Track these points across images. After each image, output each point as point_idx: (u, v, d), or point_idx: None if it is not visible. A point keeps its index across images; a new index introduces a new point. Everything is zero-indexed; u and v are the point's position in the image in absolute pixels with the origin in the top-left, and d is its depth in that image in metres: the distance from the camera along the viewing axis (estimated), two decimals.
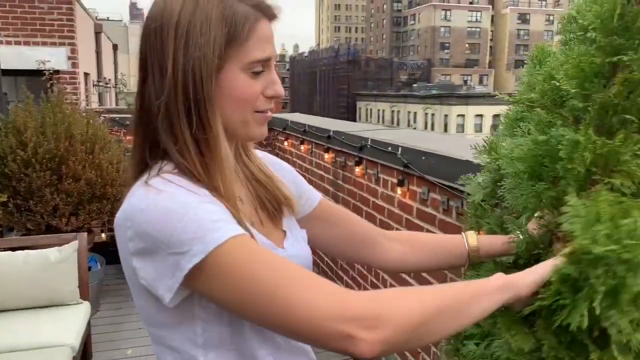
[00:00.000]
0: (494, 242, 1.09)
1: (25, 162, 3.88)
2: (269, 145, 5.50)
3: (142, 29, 0.87)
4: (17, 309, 3.08)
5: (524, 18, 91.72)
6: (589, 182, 0.86)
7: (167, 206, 0.76)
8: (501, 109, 1.35)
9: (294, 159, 4.82)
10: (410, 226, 2.75)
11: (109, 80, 12.47)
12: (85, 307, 3.22)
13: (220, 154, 0.84)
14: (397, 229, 2.91)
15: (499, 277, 0.84)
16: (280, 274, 0.75)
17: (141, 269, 0.79)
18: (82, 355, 3.16)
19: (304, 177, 4.44)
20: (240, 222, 0.82)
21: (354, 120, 51.25)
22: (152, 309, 0.84)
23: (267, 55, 0.86)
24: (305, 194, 1.10)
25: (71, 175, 4.00)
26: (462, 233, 1.12)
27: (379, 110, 59.63)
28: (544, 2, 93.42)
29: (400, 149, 2.75)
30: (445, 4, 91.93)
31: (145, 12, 0.92)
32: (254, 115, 0.88)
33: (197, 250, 0.73)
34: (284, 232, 0.99)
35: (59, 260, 3.17)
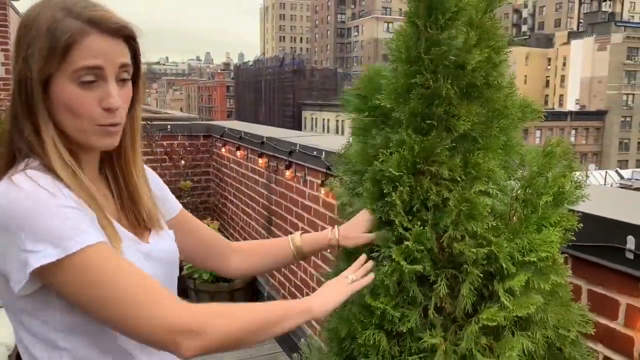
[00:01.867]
0: (316, 240, 1.30)
1: None
2: (206, 152, 5.64)
3: None
4: None
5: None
6: (415, 172, 1.14)
7: (25, 206, 0.83)
8: None
9: (231, 165, 4.99)
10: (333, 223, 3.00)
11: None
12: None
13: (51, 157, 0.90)
14: (322, 227, 3.15)
15: (304, 302, 1.04)
16: (129, 283, 0.86)
17: None
18: (17, 356, 3.21)
19: (241, 181, 4.61)
20: (102, 218, 0.91)
21: (300, 130, 51.58)
22: (10, 296, 0.89)
23: (93, 64, 0.89)
24: (169, 202, 1.20)
25: None
26: (289, 235, 1.31)
27: (324, 119, 60.24)
28: None
29: (323, 152, 3.00)
30: (387, 16, 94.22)
31: None
32: (94, 127, 0.92)
33: (48, 253, 0.81)
34: (149, 229, 1.05)
35: None
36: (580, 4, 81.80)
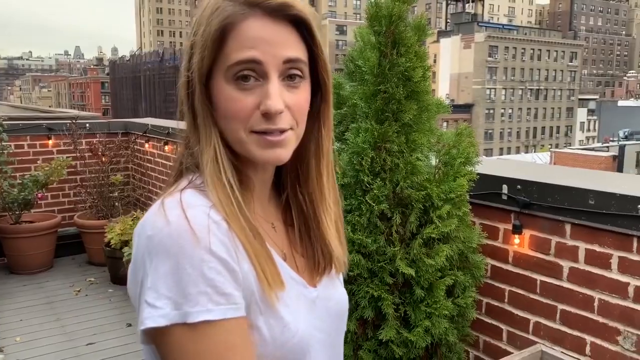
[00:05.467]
0: None
1: None
2: (126, 148, 5.88)
3: None
4: None
5: (341, 29, 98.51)
6: (376, 148, 1.78)
7: (164, 246, 0.67)
8: None
9: (157, 159, 5.33)
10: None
11: None
12: None
13: (207, 172, 0.74)
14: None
15: None
16: None
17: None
18: None
19: (169, 174, 5.05)
20: (263, 258, 0.73)
21: None
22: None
23: (248, 56, 0.72)
24: None
25: None
26: None
27: None
28: (358, 16, 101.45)
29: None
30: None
31: None
32: (250, 135, 0.75)
33: (165, 313, 0.66)
34: (323, 271, 0.86)
35: None
36: (447, 4, 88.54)
